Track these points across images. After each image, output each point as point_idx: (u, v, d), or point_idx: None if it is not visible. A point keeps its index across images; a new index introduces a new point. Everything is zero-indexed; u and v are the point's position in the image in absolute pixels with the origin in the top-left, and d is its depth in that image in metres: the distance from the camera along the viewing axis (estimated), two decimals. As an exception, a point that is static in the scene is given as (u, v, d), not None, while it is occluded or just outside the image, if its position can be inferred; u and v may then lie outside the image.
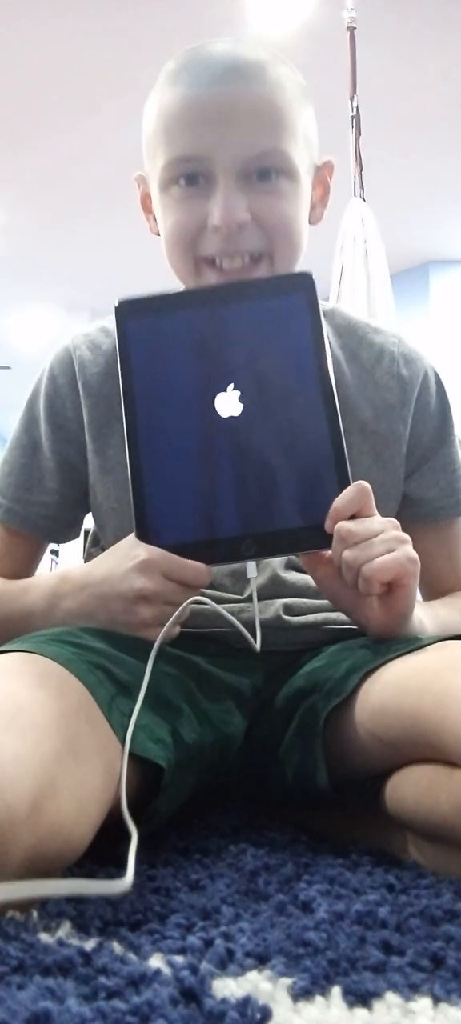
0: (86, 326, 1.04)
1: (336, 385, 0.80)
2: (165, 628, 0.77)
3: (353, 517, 0.76)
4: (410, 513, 1.00)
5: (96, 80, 3.59)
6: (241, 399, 0.78)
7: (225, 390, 0.78)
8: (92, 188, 4.36)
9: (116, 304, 0.81)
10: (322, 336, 0.80)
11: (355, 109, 2.50)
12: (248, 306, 0.81)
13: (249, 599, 0.91)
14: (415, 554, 0.77)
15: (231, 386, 0.78)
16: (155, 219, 0.99)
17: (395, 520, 0.79)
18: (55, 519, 1.00)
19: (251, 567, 0.78)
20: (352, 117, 2.50)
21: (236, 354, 0.79)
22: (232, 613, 0.83)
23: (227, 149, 0.88)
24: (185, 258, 0.92)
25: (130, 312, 0.81)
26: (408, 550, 0.76)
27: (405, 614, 0.80)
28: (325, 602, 0.92)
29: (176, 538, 0.77)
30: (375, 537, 0.75)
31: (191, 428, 0.78)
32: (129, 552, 0.78)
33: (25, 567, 1.01)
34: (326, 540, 0.76)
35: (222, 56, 0.91)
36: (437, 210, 4.74)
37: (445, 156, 4.18)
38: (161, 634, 0.77)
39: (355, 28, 2.53)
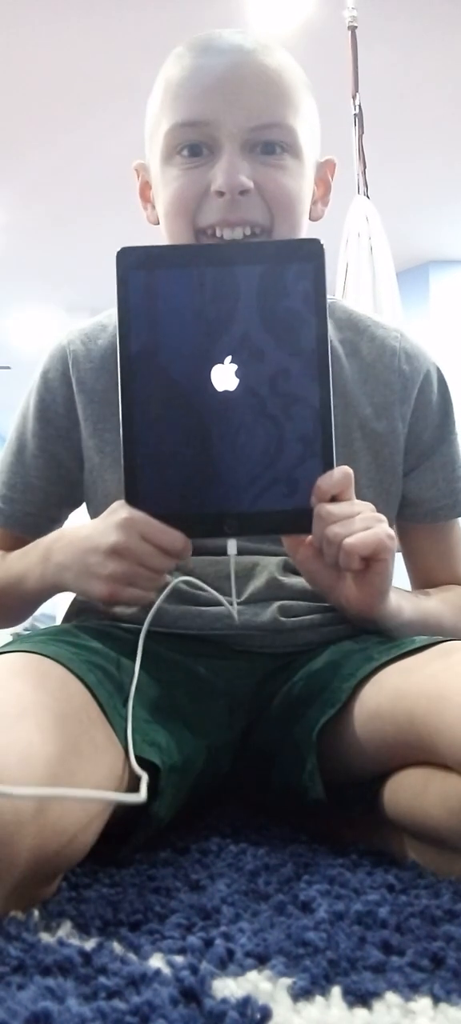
0: (83, 321, 1.02)
1: (335, 380, 0.80)
2: (152, 609, 0.80)
3: (333, 500, 0.78)
4: (409, 514, 1.00)
5: (96, 80, 3.58)
6: (237, 373, 0.77)
7: (222, 362, 0.77)
8: (92, 188, 4.36)
9: (118, 252, 0.79)
10: (325, 313, 0.79)
11: (358, 107, 2.49)
12: (253, 270, 0.78)
13: (246, 602, 0.91)
14: (392, 531, 0.79)
15: (229, 359, 0.77)
16: (153, 207, 0.98)
17: (371, 504, 0.80)
18: (38, 515, 1.00)
19: (231, 544, 0.79)
20: (355, 115, 2.50)
21: (237, 324, 0.78)
22: (229, 615, 0.84)
23: (233, 116, 0.87)
24: (185, 228, 0.90)
25: (132, 263, 0.79)
26: (385, 527, 0.78)
27: (382, 591, 0.81)
28: (321, 604, 0.92)
29: (162, 507, 0.77)
30: (354, 516, 0.77)
31: (186, 399, 0.78)
32: (114, 512, 0.79)
33: None
34: (307, 524, 0.77)
35: (230, 36, 0.92)
36: (437, 210, 4.73)
37: (445, 156, 4.18)
38: (151, 612, 0.80)
39: (356, 27, 2.52)
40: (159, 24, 3.18)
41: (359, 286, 2.31)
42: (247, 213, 0.88)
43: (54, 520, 1.03)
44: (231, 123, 0.87)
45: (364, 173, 2.47)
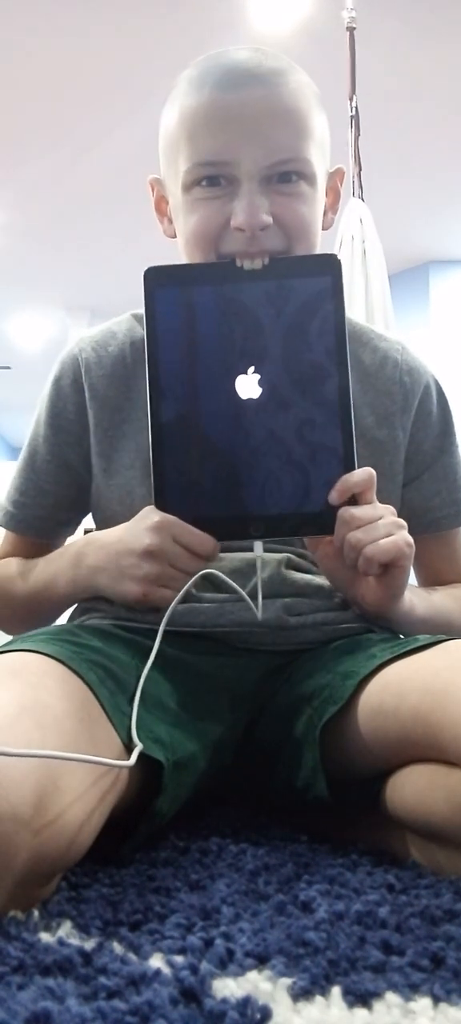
0: (94, 329, 1.05)
1: None
2: (173, 602, 0.81)
3: (353, 500, 0.81)
4: (414, 524, 1.01)
5: (96, 80, 3.58)
6: (260, 383, 0.81)
7: (246, 372, 0.81)
8: (92, 188, 4.36)
9: (145, 271, 0.83)
10: (344, 323, 0.82)
11: (354, 109, 2.49)
12: (274, 285, 0.83)
13: (249, 596, 0.91)
14: (411, 539, 0.83)
15: (252, 369, 0.81)
16: (169, 221, 1.00)
17: (392, 507, 0.84)
18: (49, 519, 1.02)
19: (257, 546, 0.82)
20: (351, 117, 2.50)
21: (259, 336, 0.82)
22: (241, 612, 0.87)
23: (250, 154, 0.89)
24: (207, 257, 0.93)
25: (159, 281, 0.83)
26: (405, 535, 0.82)
27: (397, 594, 0.86)
28: (325, 602, 0.94)
29: (189, 511, 0.81)
30: (376, 522, 0.80)
31: (212, 407, 0.82)
32: (145, 516, 0.83)
33: None
34: (330, 526, 0.81)
35: (244, 62, 0.93)
36: (437, 210, 4.73)
37: (445, 156, 4.18)
38: (171, 606, 0.81)
39: (355, 28, 2.52)
40: (159, 24, 3.18)
41: (352, 289, 2.32)
42: (266, 244, 0.90)
43: (64, 524, 1.06)
44: (249, 162, 0.89)
45: (359, 175, 2.47)
